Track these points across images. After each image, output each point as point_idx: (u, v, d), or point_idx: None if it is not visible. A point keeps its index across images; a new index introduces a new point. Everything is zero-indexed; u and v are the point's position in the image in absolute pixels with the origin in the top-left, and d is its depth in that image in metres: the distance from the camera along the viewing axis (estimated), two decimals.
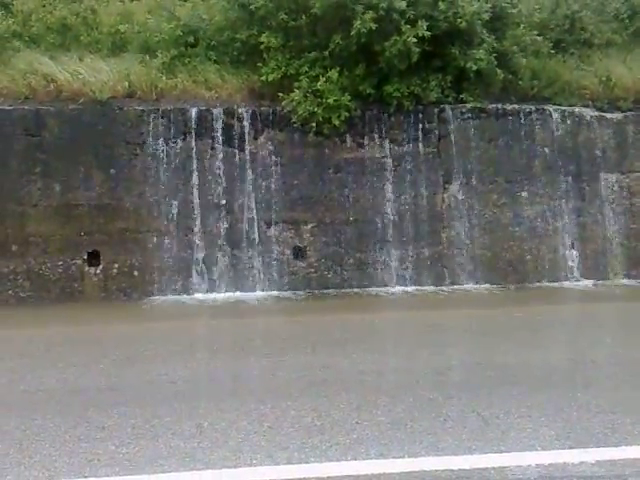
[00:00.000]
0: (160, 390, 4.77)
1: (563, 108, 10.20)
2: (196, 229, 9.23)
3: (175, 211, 9.23)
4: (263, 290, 9.26)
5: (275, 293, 9.21)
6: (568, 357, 5.71)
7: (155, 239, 9.14)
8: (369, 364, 5.42)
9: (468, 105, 9.88)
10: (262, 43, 9.45)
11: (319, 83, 9.21)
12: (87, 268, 8.96)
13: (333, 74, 9.25)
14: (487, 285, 9.64)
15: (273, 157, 9.48)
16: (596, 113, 10.28)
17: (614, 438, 3.79)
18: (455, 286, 9.60)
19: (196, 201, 9.29)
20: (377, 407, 4.32)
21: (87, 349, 6.14)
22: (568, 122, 10.18)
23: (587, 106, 10.35)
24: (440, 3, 9.35)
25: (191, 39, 9.87)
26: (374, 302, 8.97)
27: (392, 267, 9.63)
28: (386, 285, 9.52)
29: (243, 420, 4.10)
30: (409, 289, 9.48)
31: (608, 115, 10.27)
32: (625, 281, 9.97)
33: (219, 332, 7.33)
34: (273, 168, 9.50)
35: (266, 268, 9.37)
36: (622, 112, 10.32)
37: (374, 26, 8.92)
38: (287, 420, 4.12)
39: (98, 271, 8.98)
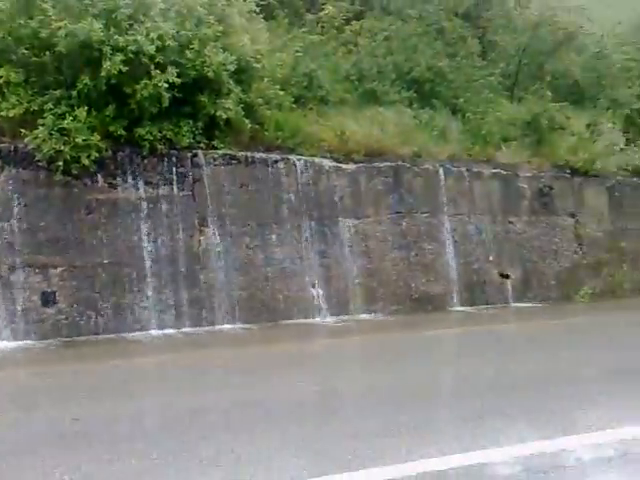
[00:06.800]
0: None
1: (305, 158, 11.38)
2: None
3: None
4: (7, 340, 9.01)
5: (22, 343, 8.98)
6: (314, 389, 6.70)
7: None
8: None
9: (219, 152, 10.64)
10: (0, 77, 9.34)
11: (66, 121, 9.23)
12: None
13: (81, 112, 9.32)
14: (245, 325, 10.30)
15: (15, 196, 9.35)
16: (333, 164, 11.67)
17: (355, 464, 4.40)
18: (214, 327, 10.20)
19: None
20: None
21: None
22: (310, 171, 11.43)
23: (326, 157, 11.70)
24: (187, 51, 9.93)
25: None
26: (128, 348, 9.20)
27: (151, 311, 9.91)
28: (144, 329, 9.78)
29: None
30: (169, 332, 9.87)
31: (343, 166, 11.68)
32: (365, 316, 11.42)
33: None
34: (16, 209, 9.36)
35: (10, 316, 9.13)
36: (355, 163, 11.85)
37: (124, 68, 9.24)
38: None
39: None
